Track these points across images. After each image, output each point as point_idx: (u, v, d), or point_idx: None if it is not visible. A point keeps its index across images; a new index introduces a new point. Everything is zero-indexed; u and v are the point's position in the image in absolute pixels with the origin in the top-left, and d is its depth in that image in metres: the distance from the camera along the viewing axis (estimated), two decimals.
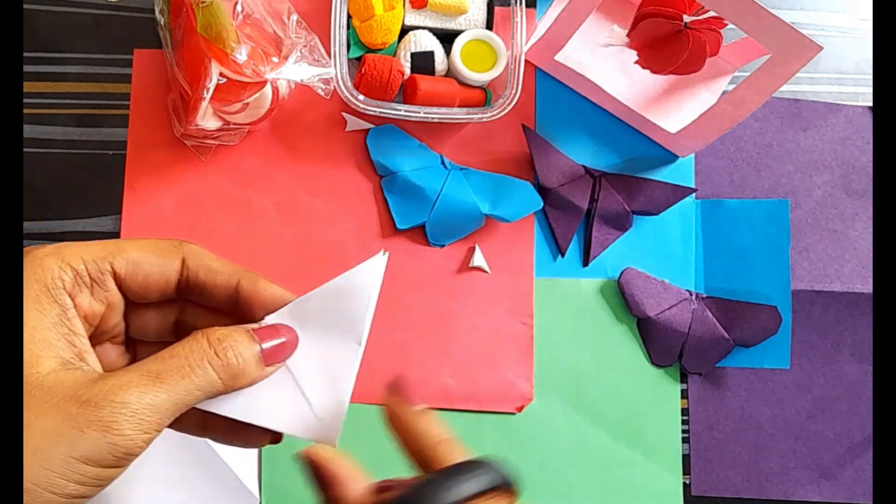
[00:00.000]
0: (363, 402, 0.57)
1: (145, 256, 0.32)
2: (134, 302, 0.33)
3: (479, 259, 0.59)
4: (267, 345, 0.31)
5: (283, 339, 0.32)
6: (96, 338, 0.32)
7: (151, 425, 0.27)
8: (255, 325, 0.32)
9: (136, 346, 0.35)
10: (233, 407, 0.31)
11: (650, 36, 0.55)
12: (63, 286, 0.29)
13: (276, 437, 0.34)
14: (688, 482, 0.58)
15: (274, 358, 0.32)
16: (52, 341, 0.28)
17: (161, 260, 0.32)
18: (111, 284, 0.31)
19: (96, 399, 0.26)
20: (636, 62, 0.57)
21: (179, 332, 0.35)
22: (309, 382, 0.32)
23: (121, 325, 0.33)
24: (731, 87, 0.61)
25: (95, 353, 0.31)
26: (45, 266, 0.29)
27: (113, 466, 0.27)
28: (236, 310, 0.33)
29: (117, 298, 0.32)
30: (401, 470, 0.60)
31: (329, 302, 0.33)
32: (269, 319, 0.32)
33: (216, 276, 0.33)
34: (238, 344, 0.30)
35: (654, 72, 0.56)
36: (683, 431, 0.59)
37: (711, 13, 0.54)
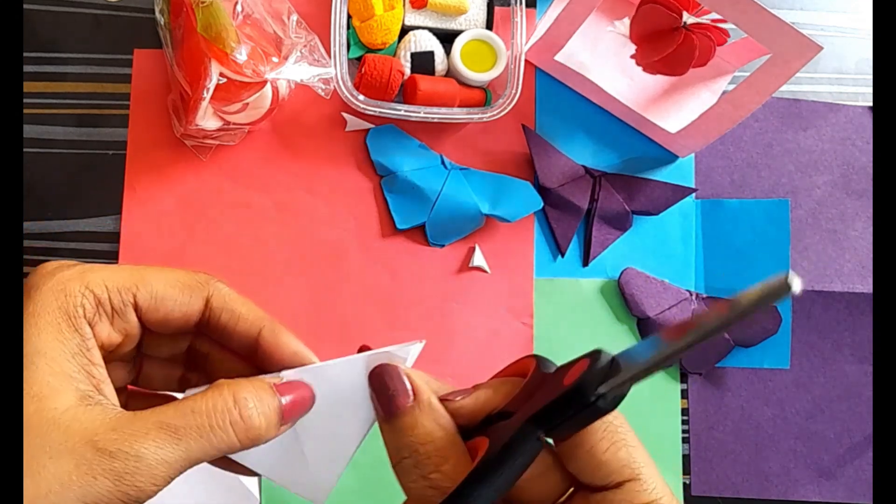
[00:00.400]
0: None
1: (170, 292, 0.31)
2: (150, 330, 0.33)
3: (479, 259, 0.59)
4: (287, 400, 0.30)
5: (302, 398, 0.31)
6: (106, 358, 0.32)
7: (163, 478, 0.27)
8: (276, 379, 0.31)
9: (143, 362, 0.35)
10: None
11: (647, 25, 0.54)
12: (84, 314, 0.29)
13: None
14: (688, 482, 0.58)
15: (291, 416, 0.31)
16: (72, 373, 0.28)
17: (185, 298, 0.31)
18: (132, 316, 0.31)
19: (112, 448, 0.26)
20: (632, 56, 0.57)
21: (191, 358, 0.35)
22: (312, 443, 0.32)
23: (134, 350, 0.33)
24: (731, 87, 0.61)
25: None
26: (68, 291, 0.29)
27: None
28: (252, 357, 0.33)
29: (136, 329, 0.31)
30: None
31: (352, 374, 0.32)
32: (288, 375, 0.31)
33: (238, 322, 0.32)
34: (262, 403, 0.29)
35: (643, 67, 0.56)
36: (683, 431, 0.59)
37: (716, 19, 0.54)
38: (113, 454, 0.26)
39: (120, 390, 0.34)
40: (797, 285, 0.20)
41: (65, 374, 0.27)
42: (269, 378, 0.31)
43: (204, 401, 0.28)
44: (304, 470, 0.32)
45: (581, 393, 0.26)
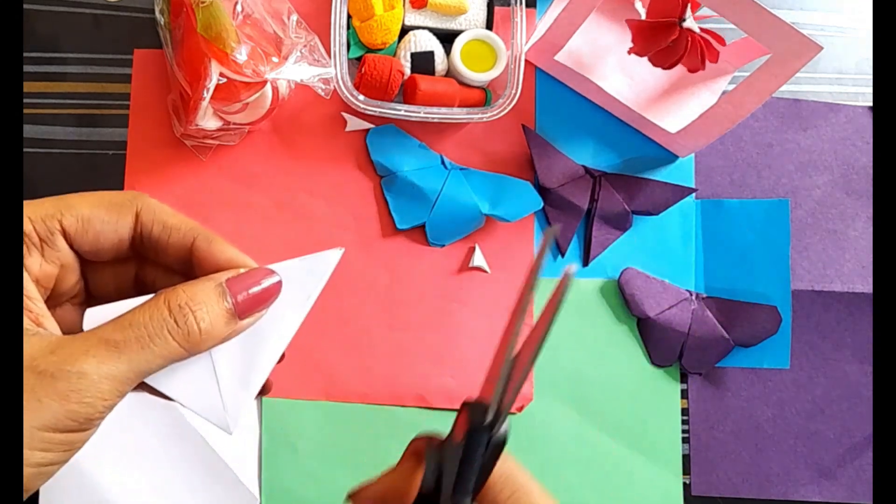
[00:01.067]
0: (364, 403, 0.57)
1: (96, 213, 0.30)
2: (89, 260, 0.32)
3: (479, 259, 0.59)
4: (241, 296, 0.29)
5: (260, 287, 0.30)
6: (54, 300, 0.31)
7: (112, 393, 0.26)
8: (231, 274, 0.30)
9: (92, 270, 0.34)
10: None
11: (658, 8, 0.54)
12: None
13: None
14: (688, 482, 0.58)
15: (250, 310, 0.30)
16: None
17: (113, 216, 0.31)
18: (62, 244, 0.30)
19: (52, 369, 0.26)
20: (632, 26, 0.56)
21: (140, 289, 0.34)
22: (224, 366, 0.31)
23: (79, 285, 0.32)
24: (731, 86, 0.61)
25: (56, 315, 0.30)
26: None
27: (77, 431, 0.26)
28: (190, 270, 0.32)
29: (70, 258, 0.31)
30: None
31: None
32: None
33: (171, 233, 0.31)
34: (203, 307, 0.28)
35: (634, 43, 0.56)
36: (683, 431, 0.59)
37: (708, 29, 0.54)
38: (54, 375, 0.25)
39: None
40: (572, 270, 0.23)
41: None
42: (222, 275, 0.30)
43: (141, 312, 0.28)
44: (216, 395, 0.31)
45: (475, 439, 0.28)
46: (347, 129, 0.60)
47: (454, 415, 0.30)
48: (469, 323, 0.58)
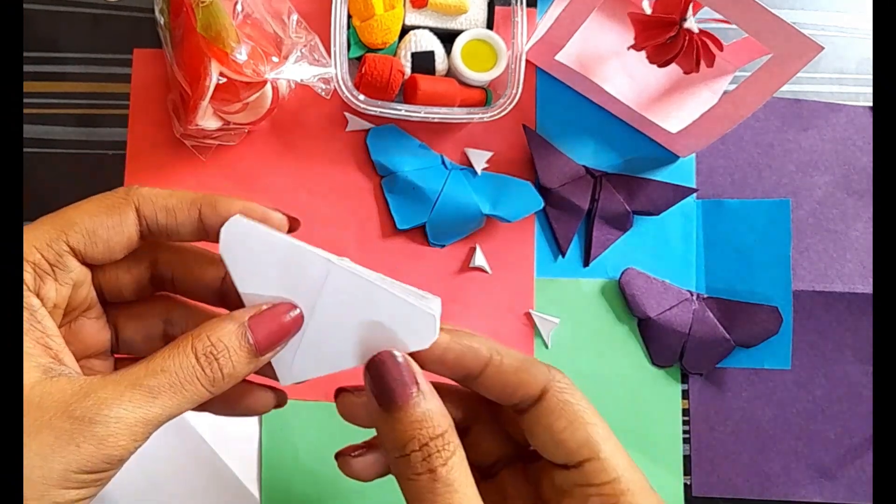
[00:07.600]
0: None
1: (99, 220, 0.30)
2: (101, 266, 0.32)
3: (479, 259, 0.59)
4: (262, 334, 0.30)
5: (280, 326, 0.31)
6: (67, 316, 0.31)
7: (143, 435, 0.27)
8: (253, 311, 0.31)
9: (118, 318, 0.34)
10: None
11: (662, 5, 0.54)
12: (26, 286, 0.28)
13: (280, 400, 0.36)
14: (688, 483, 0.58)
15: (271, 347, 0.31)
16: (28, 350, 0.27)
17: (115, 219, 0.31)
18: (73, 263, 0.30)
19: (90, 414, 0.26)
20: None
21: (156, 282, 0.34)
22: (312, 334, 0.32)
23: (91, 293, 0.32)
24: (732, 86, 0.61)
25: (73, 328, 0.31)
26: None
27: (108, 470, 0.27)
28: (207, 239, 0.32)
29: (83, 275, 0.31)
30: None
31: (356, 302, 0.33)
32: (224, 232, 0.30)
33: (176, 214, 0.31)
34: (225, 352, 0.29)
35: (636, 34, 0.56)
36: (684, 432, 0.59)
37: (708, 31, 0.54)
38: (93, 420, 0.26)
39: (104, 356, 0.34)
40: None
41: (22, 351, 0.27)
42: (245, 313, 0.30)
43: (171, 359, 0.28)
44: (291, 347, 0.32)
45: None
46: (347, 129, 0.60)
47: None
48: (469, 323, 0.58)
